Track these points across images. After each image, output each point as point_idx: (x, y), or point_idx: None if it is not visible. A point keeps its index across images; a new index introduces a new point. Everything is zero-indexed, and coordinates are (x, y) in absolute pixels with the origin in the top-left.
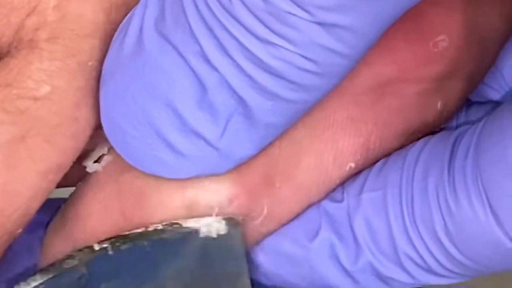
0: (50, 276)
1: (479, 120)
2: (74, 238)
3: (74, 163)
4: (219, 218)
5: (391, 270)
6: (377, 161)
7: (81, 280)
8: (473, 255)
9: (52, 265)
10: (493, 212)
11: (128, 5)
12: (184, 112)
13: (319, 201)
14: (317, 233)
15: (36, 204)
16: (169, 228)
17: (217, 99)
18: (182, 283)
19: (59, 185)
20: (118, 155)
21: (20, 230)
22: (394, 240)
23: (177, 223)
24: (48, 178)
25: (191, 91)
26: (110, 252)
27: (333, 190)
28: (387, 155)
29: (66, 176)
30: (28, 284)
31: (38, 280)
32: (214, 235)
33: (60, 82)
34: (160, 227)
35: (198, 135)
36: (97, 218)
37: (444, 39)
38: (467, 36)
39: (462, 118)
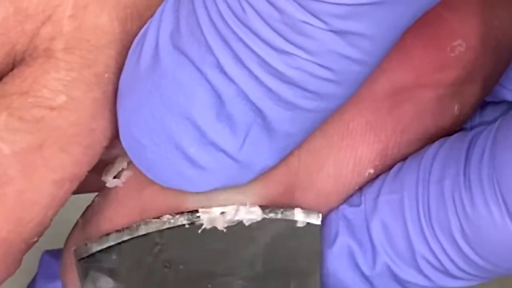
0: (124, 238)
1: (493, 121)
2: None
3: (90, 171)
4: (299, 210)
5: (408, 273)
6: None
7: (153, 249)
8: (490, 256)
9: (127, 228)
10: (509, 213)
11: (142, 16)
12: (202, 125)
13: (338, 206)
14: (335, 239)
15: (52, 213)
16: (246, 210)
17: (235, 111)
18: (252, 271)
19: (75, 192)
20: (138, 170)
21: (36, 239)
22: (411, 243)
23: (259, 208)
24: (64, 187)
25: (209, 103)
26: (187, 226)
27: (352, 194)
28: (406, 159)
29: (82, 184)
30: (101, 244)
31: (111, 241)
32: (292, 227)
33: (77, 92)
34: (240, 209)
35: (217, 147)
36: None
37: (461, 43)
38: (483, 40)
39: (476, 119)
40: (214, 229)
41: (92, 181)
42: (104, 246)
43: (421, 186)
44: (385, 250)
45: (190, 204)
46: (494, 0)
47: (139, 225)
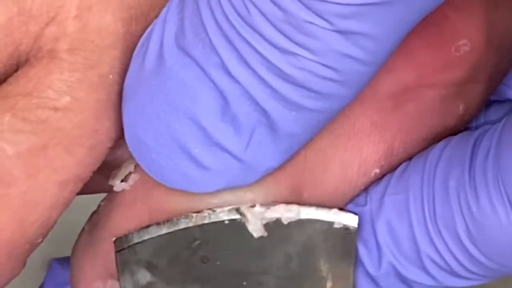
0: (164, 232)
1: (498, 120)
2: (104, 258)
3: (95, 172)
4: (336, 210)
5: (413, 273)
6: None
7: (192, 243)
8: (495, 256)
9: (168, 221)
10: None
11: (146, 17)
12: (207, 126)
13: (344, 206)
14: None
15: (56, 214)
16: (285, 208)
17: (239, 111)
18: (288, 270)
19: (79, 193)
20: (145, 173)
21: (40, 240)
22: (417, 243)
23: (294, 205)
24: (68, 188)
25: (214, 104)
26: (226, 222)
27: (357, 194)
28: (411, 159)
29: (86, 185)
30: (141, 236)
31: (151, 233)
32: (329, 227)
33: (81, 93)
34: (278, 206)
35: (222, 148)
36: None
37: (465, 43)
38: (488, 40)
39: (481, 118)
40: (253, 226)
41: (97, 182)
42: (144, 238)
43: (426, 186)
44: (391, 250)
45: (198, 205)
46: (497, 0)
47: (179, 218)
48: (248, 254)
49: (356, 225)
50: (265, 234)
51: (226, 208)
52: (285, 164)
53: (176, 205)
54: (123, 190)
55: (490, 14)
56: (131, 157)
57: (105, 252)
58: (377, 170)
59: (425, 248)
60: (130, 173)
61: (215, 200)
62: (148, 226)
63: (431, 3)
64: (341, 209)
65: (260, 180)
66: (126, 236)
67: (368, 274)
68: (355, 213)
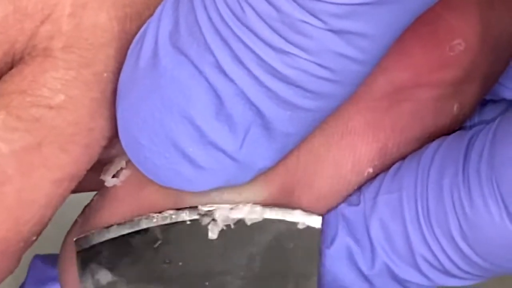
0: (125, 232)
1: (493, 119)
2: None
3: (89, 171)
4: (300, 211)
5: (407, 273)
6: None
7: (154, 244)
8: (489, 256)
9: (128, 221)
10: (508, 213)
11: (141, 15)
12: (201, 125)
13: (337, 205)
14: (334, 238)
15: (51, 212)
16: (249, 209)
17: (234, 110)
18: (251, 271)
19: (74, 191)
20: (137, 169)
21: (35, 238)
22: (410, 242)
23: (260, 207)
24: (62, 186)
25: (208, 103)
26: (188, 222)
27: (351, 193)
28: (405, 158)
29: (80, 183)
30: (102, 236)
31: (111, 233)
32: (292, 228)
33: (75, 91)
34: (242, 207)
35: (216, 147)
36: None
37: (460, 43)
38: (482, 39)
39: (476, 117)
40: (215, 226)
41: (91, 180)
42: (105, 239)
43: (420, 185)
44: (384, 249)
45: (189, 202)
46: None
47: (141, 219)
48: (210, 255)
49: (319, 226)
50: (227, 235)
51: (187, 209)
52: (277, 163)
53: (167, 201)
54: (114, 186)
55: (485, 14)
56: (123, 153)
57: None
58: (371, 170)
59: (419, 247)
60: (121, 168)
61: (206, 199)
62: (109, 226)
63: (425, 2)
64: (305, 210)
65: (252, 179)
66: (86, 236)
67: (361, 273)
68: (319, 214)
